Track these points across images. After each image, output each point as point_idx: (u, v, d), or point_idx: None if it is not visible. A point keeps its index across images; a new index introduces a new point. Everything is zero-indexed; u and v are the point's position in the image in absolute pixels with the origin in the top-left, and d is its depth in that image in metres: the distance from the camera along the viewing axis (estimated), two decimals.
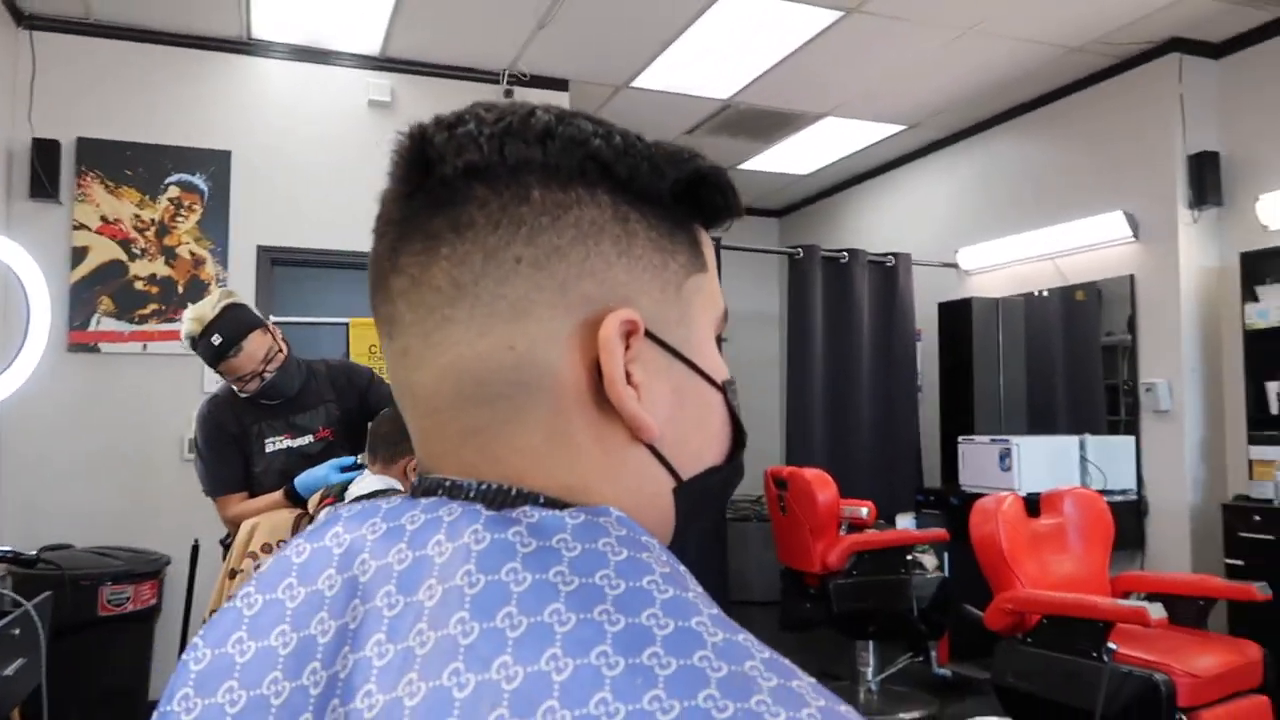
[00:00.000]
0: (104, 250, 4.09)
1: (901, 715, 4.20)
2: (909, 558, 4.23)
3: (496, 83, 4.72)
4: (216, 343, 2.30)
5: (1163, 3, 4.04)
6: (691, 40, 4.39)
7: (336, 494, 2.20)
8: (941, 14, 4.12)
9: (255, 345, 2.35)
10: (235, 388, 2.43)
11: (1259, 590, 3.07)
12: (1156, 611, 2.74)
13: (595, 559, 0.43)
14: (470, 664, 0.39)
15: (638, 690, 0.37)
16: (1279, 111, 4.20)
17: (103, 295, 4.07)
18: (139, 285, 4.12)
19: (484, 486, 0.48)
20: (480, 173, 0.49)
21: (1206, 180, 4.34)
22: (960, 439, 5.04)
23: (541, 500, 0.47)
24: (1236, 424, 4.24)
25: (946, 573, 4.38)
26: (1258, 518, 3.88)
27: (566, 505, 0.47)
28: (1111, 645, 2.81)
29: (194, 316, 2.32)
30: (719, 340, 0.58)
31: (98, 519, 3.93)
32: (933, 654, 4.46)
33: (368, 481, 2.17)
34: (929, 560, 4.36)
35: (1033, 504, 3.57)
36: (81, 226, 4.06)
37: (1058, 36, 4.37)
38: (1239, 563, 3.93)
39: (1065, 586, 3.26)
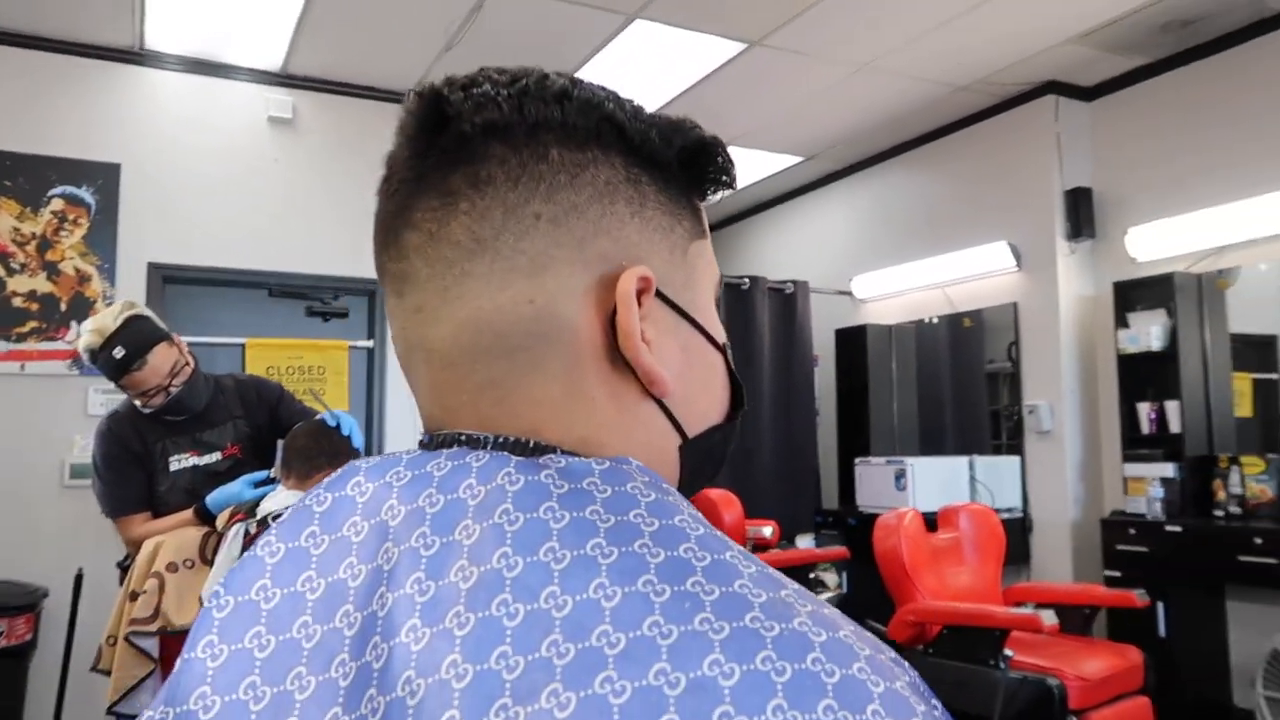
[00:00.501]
0: None
1: None
2: (811, 576, 4.32)
3: (400, 102, 4.67)
4: (119, 356, 2.20)
5: (1039, 47, 4.31)
6: (596, 69, 4.45)
7: (247, 510, 2.13)
8: (838, 50, 4.30)
9: (160, 359, 2.26)
10: (139, 403, 2.33)
11: (1139, 597, 3.25)
12: (1049, 619, 2.88)
13: (626, 500, 0.44)
14: (518, 595, 0.40)
15: (687, 613, 0.38)
16: (1143, 151, 4.52)
17: None
18: (17, 301, 3.91)
19: (501, 439, 0.49)
20: (499, 131, 0.50)
21: (1081, 214, 4.63)
22: (857, 460, 5.20)
23: (559, 452, 0.49)
24: (1112, 443, 4.50)
25: (846, 590, 4.48)
26: (1133, 531, 4.11)
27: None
28: (1008, 652, 2.94)
29: (94, 328, 2.22)
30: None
31: None
32: None
33: (280, 497, 2.11)
34: (830, 578, 4.46)
35: (930, 521, 3.70)
36: None
37: (945, 76, 4.60)
38: (1117, 574, 4.16)
39: (963, 598, 3.40)
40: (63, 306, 3.97)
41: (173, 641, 2.02)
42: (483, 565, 0.42)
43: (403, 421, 4.52)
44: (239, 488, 2.21)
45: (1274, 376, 4.19)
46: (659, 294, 0.52)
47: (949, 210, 5.27)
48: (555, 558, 0.41)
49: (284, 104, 4.44)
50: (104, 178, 4.08)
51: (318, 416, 2.22)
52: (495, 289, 0.49)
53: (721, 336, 0.58)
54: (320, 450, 2.12)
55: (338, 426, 2.16)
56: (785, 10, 3.90)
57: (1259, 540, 3.60)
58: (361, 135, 4.57)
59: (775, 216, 6.73)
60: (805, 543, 5.29)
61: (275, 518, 2.05)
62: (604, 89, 0.53)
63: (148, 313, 2.34)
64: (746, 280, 5.58)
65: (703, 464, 0.57)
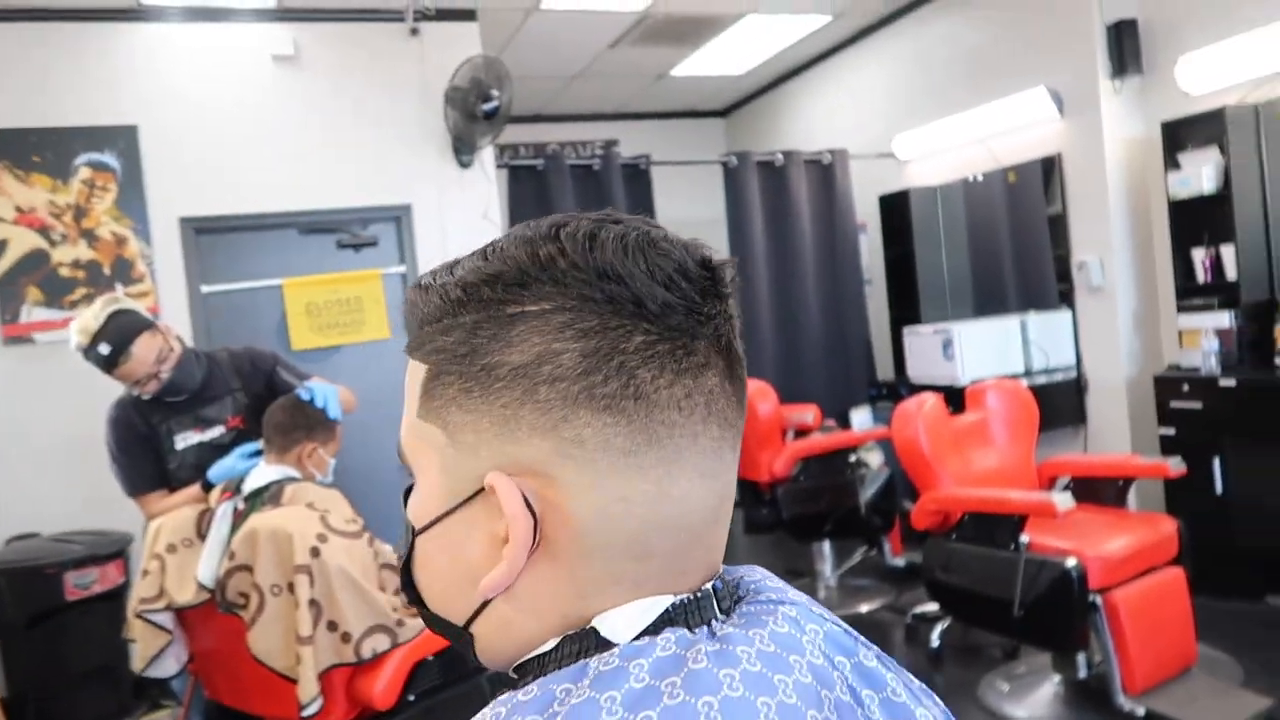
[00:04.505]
0: (23, 241, 4.07)
1: (862, 607, 4.37)
2: (853, 459, 4.33)
3: (402, 20, 4.60)
4: (105, 352, 2.33)
5: None
6: None
7: (234, 487, 2.27)
8: None
9: (144, 349, 2.38)
10: (135, 392, 2.47)
11: (1172, 467, 3.16)
12: (1063, 503, 2.84)
13: None
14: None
15: None
16: None
17: (29, 285, 4.07)
18: (64, 271, 4.12)
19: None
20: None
21: (1126, 48, 4.28)
22: (905, 330, 5.09)
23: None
24: (1167, 295, 4.28)
25: (890, 470, 4.48)
26: (1186, 387, 3.95)
27: None
28: (1024, 538, 2.92)
29: (80, 329, 2.34)
30: None
31: (61, 506, 4.01)
32: (886, 546, 4.61)
33: (264, 472, 2.23)
34: (874, 458, 4.46)
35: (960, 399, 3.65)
36: None
37: None
38: (1171, 432, 4.03)
39: (990, 480, 3.36)
40: (106, 270, 4.17)
41: (188, 612, 2.20)
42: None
43: None
44: (233, 460, 2.34)
45: None
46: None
47: (986, 57, 4.93)
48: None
49: (285, 40, 4.43)
50: (124, 140, 4.19)
51: (294, 391, 2.32)
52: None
53: None
54: (296, 424, 2.23)
55: (311, 400, 2.26)
56: None
57: None
58: (366, 61, 4.55)
59: (807, 83, 6.42)
60: (860, 417, 5.28)
61: (258, 493, 2.18)
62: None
63: (130, 305, 2.45)
64: (780, 155, 5.41)
65: None
